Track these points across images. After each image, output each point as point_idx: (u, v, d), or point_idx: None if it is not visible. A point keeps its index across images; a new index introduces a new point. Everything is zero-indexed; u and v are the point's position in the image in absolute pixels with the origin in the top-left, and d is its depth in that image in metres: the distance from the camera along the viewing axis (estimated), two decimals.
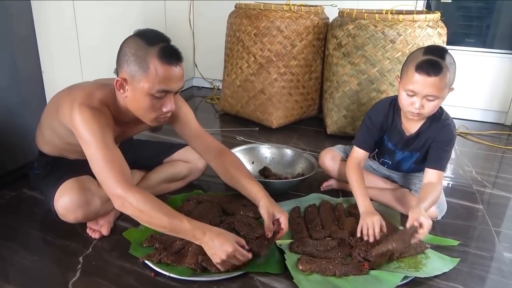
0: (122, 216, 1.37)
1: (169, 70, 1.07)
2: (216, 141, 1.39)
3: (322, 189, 1.66)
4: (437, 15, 2.08)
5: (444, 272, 1.18)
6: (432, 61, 1.21)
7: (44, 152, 1.35)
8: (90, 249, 1.24)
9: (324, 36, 2.38)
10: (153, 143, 1.66)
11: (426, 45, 1.93)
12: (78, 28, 1.94)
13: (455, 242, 1.34)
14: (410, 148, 1.45)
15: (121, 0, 2.25)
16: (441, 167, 1.37)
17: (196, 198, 1.49)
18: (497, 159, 2.16)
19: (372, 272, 1.16)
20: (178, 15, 3.00)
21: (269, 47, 2.28)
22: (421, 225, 1.15)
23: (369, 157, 1.59)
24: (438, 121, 1.37)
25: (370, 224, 1.23)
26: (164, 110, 1.13)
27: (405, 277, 1.13)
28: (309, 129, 2.48)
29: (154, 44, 1.06)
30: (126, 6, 2.32)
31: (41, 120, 1.32)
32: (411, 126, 1.41)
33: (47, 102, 1.47)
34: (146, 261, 1.14)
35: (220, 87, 2.81)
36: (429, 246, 1.27)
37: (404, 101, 1.30)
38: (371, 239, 1.21)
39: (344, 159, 1.62)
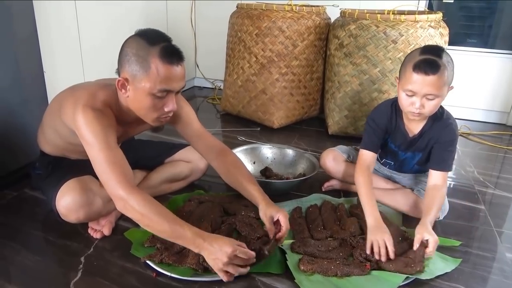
0: (123, 216, 1.37)
1: (170, 70, 1.07)
2: (217, 141, 1.39)
3: (323, 189, 1.66)
4: (439, 15, 2.08)
5: (446, 273, 1.18)
6: (429, 60, 1.21)
7: (45, 152, 1.35)
8: (92, 249, 1.24)
9: (326, 36, 2.38)
10: (155, 143, 1.67)
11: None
12: (80, 28, 1.94)
13: (457, 243, 1.33)
14: (413, 149, 1.45)
15: (122, 0, 2.25)
16: (445, 168, 1.37)
17: (197, 198, 1.49)
18: (499, 159, 2.16)
19: (374, 272, 1.16)
20: (180, 15, 3.01)
21: (270, 47, 2.28)
22: (427, 242, 1.17)
23: None
24: (440, 120, 1.37)
25: (382, 243, 1.17)
26: (166, 110, 1.13)
27: (407, 278, 1.13)
28: (310, 129, 2.48)
29: (155, 43, 1.06)
30: (128, 6, 2.32)
31: (43, 120, 1.32)
32: (413, 127, 1.40)
33: (49, 102, 1.47)
34: (148, 261, 1.14)
35: (222, 87, 2.81)
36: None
37: (404, 101, 1.30)
38: (383, 259, 1.16)
39: (346, 160, 1.62)
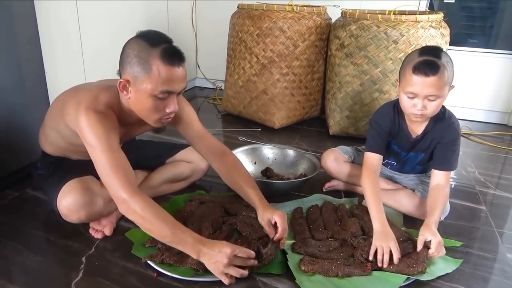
0: (124, 217, 1.36)
1: (171, 71, 1.07)
2: (218, 142, 1.39)
3: (324, 190, 1.66)
4: (440, 15, 2.08)
5: (447, 273, 1.18)
6: (429, 61, 1.21)
7: (47, 153, 1.36)
8: (93, 249, 1.24)
9: (327, 37, 2.38)
10: (156, 143, 1.67)
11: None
12: (81, 28, 1.94)
13: (458, 243, 1.33)
14: (415, 149, 1.45)
15: (124, 1, 2.25)
16: (448, 167, 1.37)
17: (198, 199, 1.49)
18: (500, 160, 2.16)
19: (375, 273, 1.16)
20: (181, 16, 3.01)
21: (271, 47, 2.28)
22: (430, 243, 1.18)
23: None
24: (442, 120, 1.37)
25: (386, 250, 1.16)
26: (167, 111, 1.13)
27: (408, 278, 1.13)
28: (311, 129, 2.48)
29: (157, 45, 1.07)
30: (129, 7, 2.32)
31: (44, 121, 1.33)
32: (416, 128, 1.40)
33: (50, 103, 1.48)
34: (149, 261, 1.15)
35: (223, 87, 2.81)
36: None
37: (406, 103, 1.30)
38: (385, 266, 1.16)
39: (347, 161, 1.62)
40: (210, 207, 1.42)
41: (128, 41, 1.11)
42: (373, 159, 1.42)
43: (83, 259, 1.19)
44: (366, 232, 1.33)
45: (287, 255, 1.20)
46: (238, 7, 2.49)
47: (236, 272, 1.07)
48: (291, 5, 2.26)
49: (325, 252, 1.23)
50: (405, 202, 1.47)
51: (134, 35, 1.12)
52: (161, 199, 1.52)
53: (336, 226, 1.37)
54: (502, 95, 2.65)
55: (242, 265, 1.09)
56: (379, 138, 1.43)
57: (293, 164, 1.80)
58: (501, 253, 1.32)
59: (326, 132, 2.38)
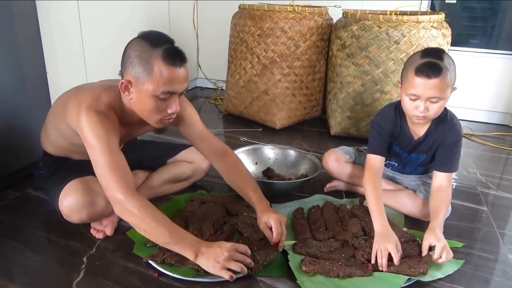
0: None
1: (173, 72, 1.07)
2: (220, 142, 1.39)
3: (325, 190, 1.66)
4: (442, 16, 2.08)
5: (448, 274, 1.18)
6: (431, 63, 1.21)
7: (48, 152, 1.36)
8: (94, 249, 1.24)
9: (328, 37, 2.38)
10: (157, 143, 1.67)
11: (430, 46, 1.94)
12: (82, 29, 1.94)
13: (459, 244, 1.33)
14: (417, 151, 1.45)
15: (125, 0, 2.26)
16: (450, 169, 1.37)
17: (199, 199, 1.49)
18: (502, 160, 2.15)
19: (376, 273, 1.16)
20: (182, 17, 3.01)
21: (272, 48, 2.28)
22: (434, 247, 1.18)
23: None
24: (444, 122, 1.36)
25: (385, 253, 1.15)
26: (169, 111, 1.13)
27: (409, 279, 1.13)
28: (312, 130, 2.48)
29: (158, 45, 1.07)
30: (130, 8, 2.32)
31: (46, 121, 1.33)
32: (418, 130, 1.40)
33: (52, 103, 1.48)
34: (150, 261, 1.15)
35: (224, 87, 2.81)
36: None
37: (408, 105, 1.30)
38: (384, 269, 1.15)
39: (348, 161, 1.62)
40: (211, 207, 1.42)
41: (130, 41, 1.11)
42: (375, 161, 1.41)
43: (84, 259, 1.20)
44: (367, 233, 1.33)
45: (288, 256, 1.20)
46: (239, 7, 2.49)
47: (237, 266, 1.07)
48: (292, 5, 2.26)
49: (326, 253, 1.23)
50: (407, 203, 1.47)
51: (136, 35, 1.12)
52: (162, 199, 1.52)
53: (337, 226, 1.37)
54: (503, 95, 2.65)
55: (241, 261, 1.09)
56: (381, 140, 1.43)
57: (294, 164, 1.80)
58: (503, 254, 1.32)
59: (327, 132, 2.38)
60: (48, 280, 1.11)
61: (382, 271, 1.16)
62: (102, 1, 2.04)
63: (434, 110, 1.27)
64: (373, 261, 1.18)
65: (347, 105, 2.20)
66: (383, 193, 1.52)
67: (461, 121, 1.41)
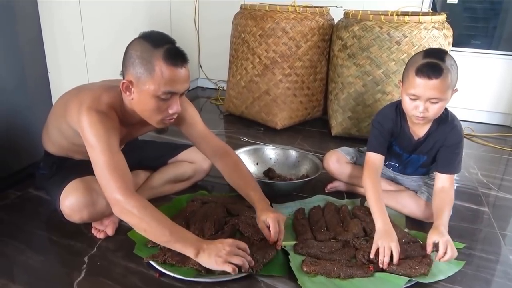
0: None
1: (174, 72, 1.07)
2: (221, 142, 1.39)
3: (326, 191, 1.66)
4: (443, 16, 2.07)
5: (449, 275, 1.17)
6: (432, 64, 1.21)
7: (50, 152, 1.36)
8: (95, 249, 1.24)
9: (329, 37, 2.38)
10: (158, 143, 1.67)
11: (432, 46, 1.94)
12: (84, 29, 1.95)
13: (461, 245, 1.33)
14: (417, 152, 1.45)
15: (126, 0, 2.26)
16: (452, 170, 1.37)
17: (200, 199, 1.50)
18: (503, 161, 2.15)
19: (377, 274, 1.15)
20: (183, 17, 3.01)
21: (274, 48, 2.28)
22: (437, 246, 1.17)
23: None
24: (445, 123, 1.36)
25: (387, 251, 1.15)
26: (170, 112, 1.13)
27: (410, 280, 1.13)
28: (313, 130, 2.48)
29: (160, 46, 1.07)
30: (132, 8, 2.33)
31: (47, 121, 1.33)
32: (419, 130, 1.40)
33: (53, 103, 1.48)
34: (151, 262, 1.15)
35: (225, 88, 2.81)
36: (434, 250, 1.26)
37: (408, 105, 1.30)
38: (385, 267, 1.15)
39: (349, 162, 1.62)
40: (212, 207, 1.42)
41: (131, 42, 1.11)
42: (374, 159, 1.41)
43: (85, 259, 1.20)
44: (368, 234, 1.33)
45: (289, 256, 1.20)
46: (240, 7, 2.49)
47: (239, 260, 1.07)
48: (293, 5, 2.26)
49: (327, 253, 1.23)
50: (408, 204, 1.47)
51: (137, 35, 1.12)
52: (163, 199, 1.52)
53: (338, 227, 1.36)
54: (504, 96, 2.65)
55: (242, 257, 1.09)
56: (382, 138, 1.43)
57: (295, 165, 1.80)
58: (504, 255, 1.31)
59: (328, 133, 2.38)
60: (49, 280, 1.12)
61: (383, 270, 1.16)
62: (103, 1, 2.04)
63: (434, 111, 1.27)
64: (372, 256, 1.18)
65: (348, 105, 2.20)
66: (384, 194, 1.52)
67: (462, 122, 1.41)
